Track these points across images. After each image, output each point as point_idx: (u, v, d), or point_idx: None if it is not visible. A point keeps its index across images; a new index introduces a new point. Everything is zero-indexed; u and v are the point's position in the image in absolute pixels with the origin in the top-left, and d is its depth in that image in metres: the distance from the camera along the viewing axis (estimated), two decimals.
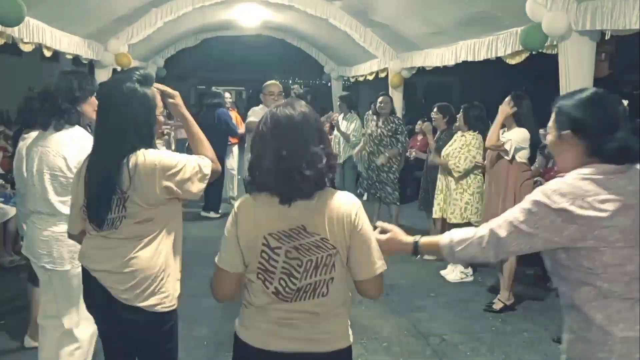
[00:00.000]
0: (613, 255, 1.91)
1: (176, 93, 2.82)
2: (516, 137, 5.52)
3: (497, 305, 5.60)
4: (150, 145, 2.63)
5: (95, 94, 3.97)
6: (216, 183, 9.31)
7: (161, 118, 2.76)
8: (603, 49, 6.08)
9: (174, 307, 2.74)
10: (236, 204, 2.31)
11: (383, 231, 2.41)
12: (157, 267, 2.65)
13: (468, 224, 6.24)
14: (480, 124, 6.57)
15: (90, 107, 3.82)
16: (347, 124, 8.84)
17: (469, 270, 6.48)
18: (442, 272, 6.66)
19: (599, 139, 1.98)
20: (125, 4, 8.68)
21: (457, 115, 6.53)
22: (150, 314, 2.64)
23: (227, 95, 10.61)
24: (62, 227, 3.42)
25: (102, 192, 2.58)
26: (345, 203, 2.24)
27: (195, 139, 2.83)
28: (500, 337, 5.20)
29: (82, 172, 2.70)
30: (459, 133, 6.45)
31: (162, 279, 2.66)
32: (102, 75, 9.74)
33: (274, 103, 5.94)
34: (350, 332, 2.35)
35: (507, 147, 5.46)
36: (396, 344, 5.09)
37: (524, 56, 6.65)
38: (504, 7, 6.57)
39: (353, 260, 2.25)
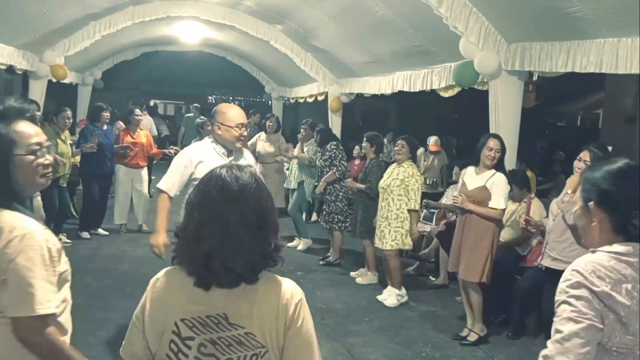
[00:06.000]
0: None
1: None
2: (504, 188, 5.27)
3: (472, 337, 5.57)
4: (9, 196, 2.09)
5: None
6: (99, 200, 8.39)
7: (30, 157, 2.11)
8: (529, 80, 6.40)
9: None
10: (152, 279, 1.90)
11: None
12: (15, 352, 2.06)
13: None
14: (415, 156, 6.73)
15: None
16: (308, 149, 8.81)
17: (403, 292, 6.57)
18: (379, 298, 6.70)
19: (625, 214, 1.83)
20: (62, 16, 8.55)
21: (397, 148, 6.47)
22: None
23: (136, 111, 9.07)
24: None
25: None
26: (284, 293, 1.84)
27: None
28: None
29: None
30: (394, 165, 6.52)
31: None
32: (36, 87, 9.56)
33: (237, 141, 4.08)
34: None
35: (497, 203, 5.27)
36: None
37: (457, 90, 6.94)
38: (439, 43, 6.87)
39: None
